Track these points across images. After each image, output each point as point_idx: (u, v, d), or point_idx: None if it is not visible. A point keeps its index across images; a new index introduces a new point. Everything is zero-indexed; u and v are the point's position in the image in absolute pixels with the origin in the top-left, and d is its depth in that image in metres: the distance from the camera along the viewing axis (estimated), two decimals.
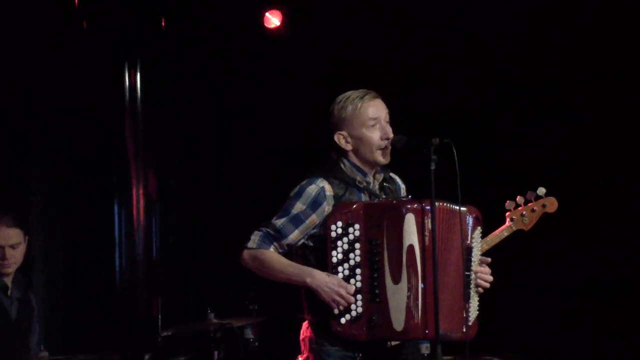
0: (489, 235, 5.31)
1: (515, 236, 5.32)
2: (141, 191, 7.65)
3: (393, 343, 5.12)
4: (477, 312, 4.47)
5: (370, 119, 4.47)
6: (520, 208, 5.30)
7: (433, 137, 4.33)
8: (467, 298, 4.38)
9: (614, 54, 7.54)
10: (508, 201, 5.30)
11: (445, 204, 4.34)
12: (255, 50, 7.87)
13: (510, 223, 5.29)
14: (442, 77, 7.91)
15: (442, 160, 4.35)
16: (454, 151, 4.29)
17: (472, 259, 4.46)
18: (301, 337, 4.51)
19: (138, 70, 7.69)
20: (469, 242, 4.43)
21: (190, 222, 7.85)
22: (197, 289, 7.54)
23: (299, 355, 4.53)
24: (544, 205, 5.33)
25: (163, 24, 7.72)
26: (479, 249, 4.54)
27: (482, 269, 4.54)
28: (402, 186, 4.72)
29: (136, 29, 7.66)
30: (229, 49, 7.83)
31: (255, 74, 7.86)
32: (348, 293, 4.27)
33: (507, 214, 5.30)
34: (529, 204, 5.30)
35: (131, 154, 7.72)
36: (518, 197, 5.31)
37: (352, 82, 4.73)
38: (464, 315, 4.38)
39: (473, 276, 4.47)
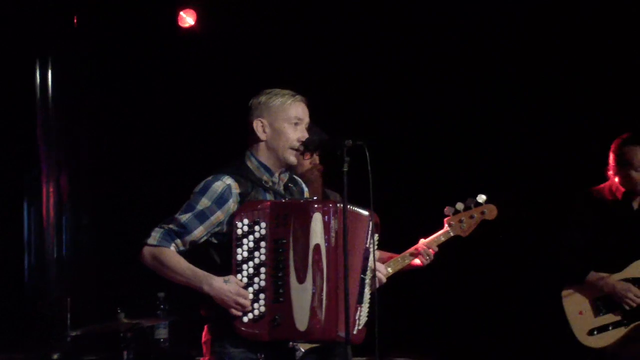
0: (426, 240, 5.35)
1: (453, 242, 5.39)
2: (52, 189, 7.56)
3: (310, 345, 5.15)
4: (367, 318, 4.44)
5: (295, 117, 4.48)
6: (459, 214, 5.34)
7: (346, 139, 4.33)
8: (361, 301, 4.37)
9: (543, 53, 7.67)
10: (447, 207, 5.34)
11: (351, 207, 4.33)
12: (169, 49, 7.83)
13: (449, 228, 5.34)
14: (363, 79, 7.96)
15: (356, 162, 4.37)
16: (367, 154, 4.29)
17: (369, 264, 4.46)
18: (203, 339, 4.47)
19: (50, 67, 7.60)
20: (367, 246, 4.43)
21: (101, 221, 7.78)
22: (107, 289, 7.47)
23: (201, 359, 4.50)
24: (482, 213, 5.38)
25: (75, 21, 7.64)
26: (375, 254, 4.51)
27: (377, 265, 4.53)
28: (305, 189, 4.73)
29: (48, 26, 7.57)
30: (143, 48, 7.78)
31: (169, 73, 7.82)
32: (246, 299, 4.24)
33: (446, 219, 5.34)
34: (468, 211, 5.34)
35: (42, 152, 7.62)
36: (457, 203, 5.36)
37: (267, 82, 4.73)
38: (357, 317, 4.37)
39: (367, 280, 4.46)
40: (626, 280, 6.18)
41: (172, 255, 4.33)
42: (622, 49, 7.67)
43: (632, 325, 6.14)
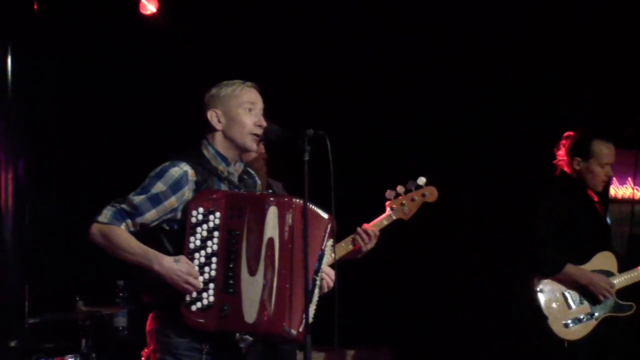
0: (369, 224, 5.35)
1: (393, 227, 5.39)
2: (10, 176, 7.50)
3: None
4: (312, 320, 4.41)
5: (248, 102, 4.49)
6: (400, 197, 5.35)
7: (307, 129, 4.34)
8: (309, 301, 4.35)
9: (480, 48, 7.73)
10: (388, 190, 5.34)
11: (312, 206, 4.34)
12: (130, 36, 7.79)
13: (391, 212, 5.34)
14: (320, 69, 7.98)
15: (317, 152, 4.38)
16: (328, 143, 4.29)
17: (322, 266, 4.46)
18: (147, 328, 4.45)
19: (9, 54, 7.53)
20: (323, 248, 4.43)
21: (61, 209, 7.73)
22: (66, 277, 7.44)
23: (145, 348, 4.48)
24: (423, 195, 5.40)
25: (35, 7, 7.58)
26: (329, 258, 4.51)
27: (328, 270, 4.54)
28: (259, 182, 4.72)
29: (7, 12, 7.50)
30: (104, 35, 7.74)
31: (130, 60, 7.78)
32: (196, 279, 4.22)
33: (387, 203, 5.35)
34: (409, 193, 5.35)
35: (0, 138, 7.56)
36: (398, 186, 5.36)
37: (228, 70, 4.75)
38: (304, 316, 4.33)
39: (318, 282, 4.46)
40: (593, 272, 6.23)
41: (122, 233, 4.31)
42: (572, 43, 7.76)
43: (601, 318, 6.19)
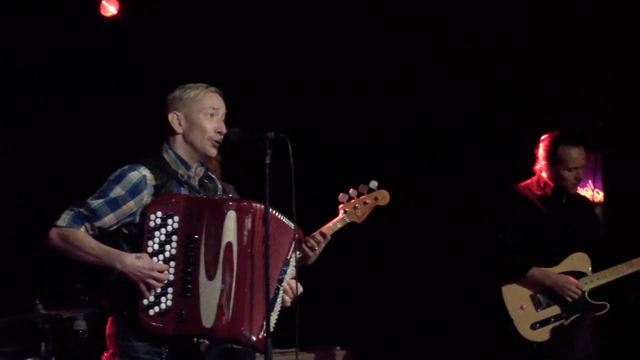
0: (323, 228, 5.35)
1: (347, 229, 5.39)
2: None
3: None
4: (272, 329, 4.40)
5: (210, 108, 4.47)
6: (353, 201, 5.35)
7: (268, 132, 4.34)
8: (271, 308, 4.33)
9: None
10: (341, 194, 5.34)
11: (278, 214, 4.35)
12: (91, 38, 7.75)
13: (344, 215, 5.34)
14: (279, 73, 7.98)
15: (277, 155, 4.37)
16: (289, 146, 4.30)
17: (286, 275, 4.45)
18: (107, 332, 4.43)
19: None
20: (288, 257, 4.43)
21: (20, 212, 7.68)
22: (25, 280, 7.39)
23: (105, 352, 4.45)
24: (376, 198, 5.40)
25: None
26: (294, 267, 4.50)
27: (291, 282, 4.52)
28: (220, 186, 4.70)
29: None
30: (64, 36, 7.68)
31: (90, 62, 7.74)
32: (160, 273, 4.21)
33: (340, 206, 5.34)
34: (362, 197, 5.36)
35: None
36: (351, 190, 5.36)
37: (189, 72, 4.72)
38: (264, 323, 4.31)
39: (281, 291, 4.45)
40: (564, 274, 6.25)
41: (81, 235, 4.28)
42: (533, 46, 7.81)
43: (571, 319, 6.21)
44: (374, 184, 5.38)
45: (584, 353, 6.30)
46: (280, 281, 4.42)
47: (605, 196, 8.29)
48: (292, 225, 4.41)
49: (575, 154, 6.29)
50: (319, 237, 5.25)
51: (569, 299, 6.20)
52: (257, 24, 7.91)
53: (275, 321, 4.42)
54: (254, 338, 4.26)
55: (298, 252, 4.51)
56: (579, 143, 6.34)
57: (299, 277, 4.48)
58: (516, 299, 6.21)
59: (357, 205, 5.36)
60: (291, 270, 4.48)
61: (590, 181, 8.33)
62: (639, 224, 6.39)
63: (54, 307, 6.53)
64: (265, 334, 4.25)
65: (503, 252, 6.18)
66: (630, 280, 6.97)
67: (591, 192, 8.20)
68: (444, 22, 7.97)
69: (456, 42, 8.03)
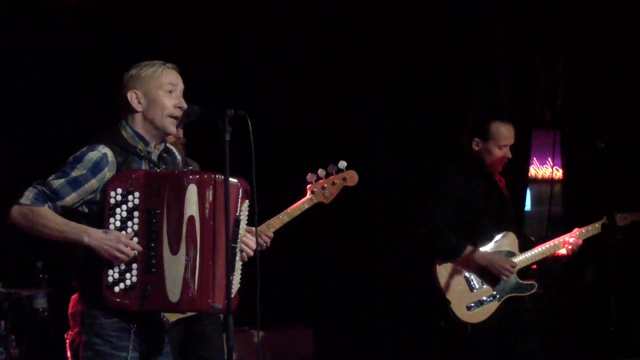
0: (290, 207, 5.36)
1: (314, 210, 5.40)
2: None
3: (177, 316, 5.11)
4: (239, 285, 4.40)
5: (169, 84, 4.42)
6: (321, 181, 5.36)
7: (228, 109, 4.30)
8: (231, 270, 4.30)
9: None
10: (309, 173, 5.35)
11: (219, 176, 4.29)
12: (51, 22, 7.68)
13: (312, 195, 5.35)
14: (241, 51, 7.97)
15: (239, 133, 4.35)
16: (249, 123, 4.26)
17: (240, 231, 4.41)
18: (70, 310, 4.39)
19: None
20: (238, 214, 4.38)
21: None
22: None
23: (69, 331, 4.41)
24: (344, 179, 5.41)
25: None
26: (245, 221, 4.47)
27: (246, 239, 4.48)
28: (179, 157, 4.67)
29: None
30: (23, 20, 7.60)
31: (49, 45, 7.66)
32: (128, 246, 4.18)
33: (309, 186, 5.35)
34: (330, 177, 5.36)
35: None
36: (319, 170, 5.37)
37: (151, 55, 4.67)
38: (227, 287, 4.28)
39: (238, 250, 4.40)
40: (496, 253, 6.26)
41: (46, 211, 4.24)
42: (490, 25, 7.87)
43: (504, 298, 6.21)
44: (342, 164, 5.39)
45: (520, 333, 6.29)
46: (235, 240, 4.36)
47: (564, 173, 8.36)
48: (234, 180, 4.32)
49: (507, 132, 6.25)
50: (265, 238, 5.27)
51: (504, 278, 6.18)
52: (218, 2, 7.89)
53: (239, 279, 4.41)
54: (220, 305, 4.25)
55: (248, 202, 4.46)
56: (509, 121, 6.33)
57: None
58: (452, 279, 6.16)
59: (325, 185, 5.38)
60: (244, 223, 4.45)
61: (549, 158, 8.41)
62: (597, 200, 6.42)
63: (12, 286, 6.49)
64: (232, 297, 4.25)
65: (438, 231, 6.14)
66: (588, 257, 7.03)
67: (551, 170, 8.27)
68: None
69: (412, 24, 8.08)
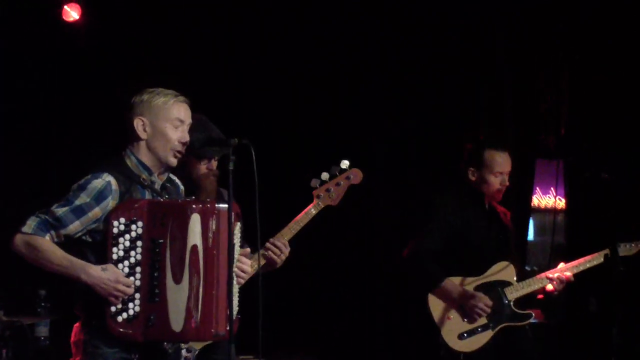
0: (298, 216, 5.33)
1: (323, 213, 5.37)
2: None
3: (203, 344, 5.09)
4: (237, 307, 4.42)
5: (177, 119, 4.42)
6: (325, 184, 5.33)
7: (232, 138, 4.32)
8: (231, 295, 4.32)
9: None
10: (313, 179, 5.32)
11: (219, 206, 4.30)
12: (52, 43, 7.70)
13: (317, 200, 5.31)
14: (241, 52, 7.98)
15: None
16: (252, 152, 4.26)
17: (235, 255, 4.41)
18: (73, 339, 4.39)
19: None
20: (233, 240, 4.38)
21: None
22: None
23: (71, 359, 4.41)
24: (348, 178, 5.38)
25: None
26: (239, 244, 4.48)
27: (240, 264, 4.51)
28: (182, 187, 4.67)
29: None
30: (25, 41, 7.63)
31: (52, 67, 7.68)
32: (126, 286, 4.19)
33: (314, 192, 5.32)
34: (334, 179, 5.34)
35: None
36: (323, 173, 5.34)
37: (151, 79, 4.68)
38: (228, 312, 4.30)
39: (234, 275, 4.41)
40: (485, 284, 6.19)
41: (47, 243, 4.24)
42: (492, 51, 7.87)
43: (498, 328, 6.16)
44: (345, 163, 5.36)
45: None
46: (232, 265, 4.34)
47: (567, 203, 8.34)
48: (225, 206, 4.31)
49: (501, 159, 6.21)
50: (275, 249, 5.23)
51: (477, 317, 6.11)
52: (214, 23, 7.91)
53: (237, 305, 4.41)
54: (223, 332, 4.27)
55: (240, 225, 4.46)
56: (504, 148, 6.29)
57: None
58: (442, 308, 6.09)
59: (329, 187, 5.34)
60: (237, 249, 4.44)
61: (552, 188, 8.39)
62: (600, 230, 6.40)
63: (15, 314, 6.47)
64: (231, 323, 4.28)
65: (419, 257, 6.09)
66: (591, 286, 7.00)
67: (553, 199, 8.24)
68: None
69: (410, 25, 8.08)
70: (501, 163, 6.19)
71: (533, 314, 6.24)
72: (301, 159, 7.68)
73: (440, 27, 7.99)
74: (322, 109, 8.13)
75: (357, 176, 5.41)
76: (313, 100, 8.13)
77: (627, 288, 5.93)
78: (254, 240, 4.44)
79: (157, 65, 7.52)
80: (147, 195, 4.40)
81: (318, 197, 5.33)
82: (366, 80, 8.20)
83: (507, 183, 6.21)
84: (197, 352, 5.17)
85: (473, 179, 6.21)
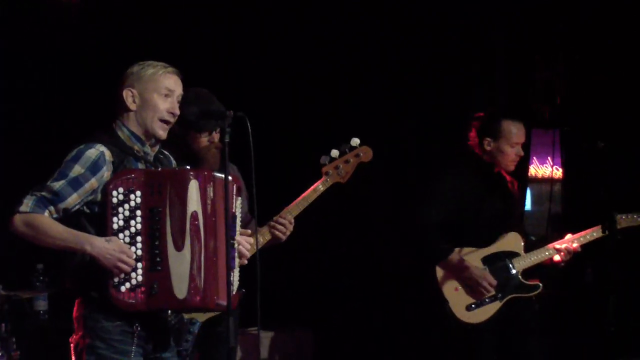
0: (306, 192, 5.32)
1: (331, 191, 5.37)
2: None
3: (207, 316, 5.09)
4: (238, 282, 4.43)
5: (166, 89, 4.41)
6: (335, 161, 5.33)
7: (227, 111, 4.30)
8: (233, 266, 4.32)
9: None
10: (323, 156, 5.31)
11: (217, 174, 4.31)
12: (50, 22, 7.67)
13: (326, 177, 5.31)
14: (241, 51, 7.97)
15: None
16: (248, 124, 4.26)
17: (236, 228, 4.42)
18: (75, 314, 4.36)
19: None
20: (234, 210, 4.39)
21: None
22: None
23: (73, 335, 4.39)
24: (357, 155, 5.38)
25: None
26: (240, 217, 4.48)
27: (243, 237, 4.51)
28: (174, 162, 4.64)
29: None
30: (24, 20, 7.59)
31: (50, 46, 7.65)
32: (129, 257, 4.18)
33: (323, 168, 5.31)
34: (343, 156, 5.33)
35: None
36: (332, 150, 5.33)
37: (150, 55, 4.67)
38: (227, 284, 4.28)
39: (236, 245, 4.42)
40: (493, 255, 6.19)
41: (47, 220, 4.22)
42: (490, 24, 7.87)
43: (506, 299, 6.17)
44: (355, 141, 5.36)
45: (520, 336, 6.26)
46: (233, 236, 4.36)
47: (563, 173, 8.35)
48: (229, 178, 4.31)
49: (517, 130, 6.20)
50: (279, 226, 5.24)
51: (485, 292, 6.11)
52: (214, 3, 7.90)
53: (238, 279, 4.43)
54: (224, 302, 4.25)
55: (241, 200, 4.47)
56: (520, 119, 6.30)
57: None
58: (450, 280, 6.10)
59: (339, 164, 5.34)
60: (238, 222, 4.45)
61: (549, 158, 8.39)
62: (597, 199, 6.41)
63: (12, 288, 6.47)
64: (233, 294, 4.30)
65: (423, 230, 6.08)
66: (588, 258, 7.00)
67: (550, 169, 8.25)
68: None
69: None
70: (517, 134, 6.20)
71: (540, 285, 6.23)
72: (300, 152, 7.68)
73: (440, 27, 7.99)
74: (323, 106, 8.12)
75: (367, 154, 5.40)
76: (314, 98, 8.13)
77: (623, 258, 5.95)
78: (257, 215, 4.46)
79: (156, 52, 7.48)
80: (141, 166, 4.39)
81: (326, 174, 5.32)
82: (366, 80, 8.19)
83: (522, 153, 6.23)
84: (200, 324, 5.18)
85: (488, 149, 6.18)
